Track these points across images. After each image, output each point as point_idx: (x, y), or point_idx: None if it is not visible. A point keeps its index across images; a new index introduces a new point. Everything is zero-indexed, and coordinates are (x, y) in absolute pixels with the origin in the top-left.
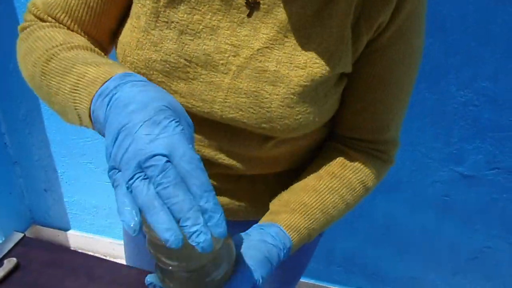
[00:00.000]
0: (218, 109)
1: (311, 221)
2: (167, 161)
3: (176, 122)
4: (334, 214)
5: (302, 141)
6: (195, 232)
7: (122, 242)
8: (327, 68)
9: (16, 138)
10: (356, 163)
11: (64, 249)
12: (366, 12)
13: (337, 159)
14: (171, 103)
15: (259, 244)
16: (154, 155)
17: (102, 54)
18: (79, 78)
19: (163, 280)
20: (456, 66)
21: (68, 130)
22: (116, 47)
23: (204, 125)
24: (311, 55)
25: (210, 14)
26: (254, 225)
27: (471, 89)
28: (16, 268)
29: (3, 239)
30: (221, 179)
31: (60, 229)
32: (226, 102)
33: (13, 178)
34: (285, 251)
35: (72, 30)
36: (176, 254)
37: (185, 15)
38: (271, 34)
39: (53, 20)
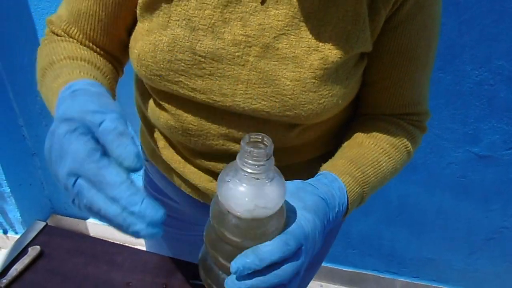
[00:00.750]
0: (240, 101)
1: (366, 182)
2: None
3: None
4: (385, 171)
5: (325, 124)
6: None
7: None
8: (346, 49)
9: (33, 131)
10: (391, 127)
11: (86, 237)
12: None
13: (369, 124)
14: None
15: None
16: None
17: (99, 65)
18: (52, 83)
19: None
20: (471, 44)
21: None
22: (130, 54)
23: (228, 119)
24: (329, 37)
25: (221, 7)
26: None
27: (487, 67)
28: (40, 255)
29: (26, 228)
30: None
31: (79, 218)
32: (247, 94)
33: (32, 170)
34: (339, 210)
35: (82, 43)
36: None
37: (196, 11)
38: (286, 20)
39: (66, 35)
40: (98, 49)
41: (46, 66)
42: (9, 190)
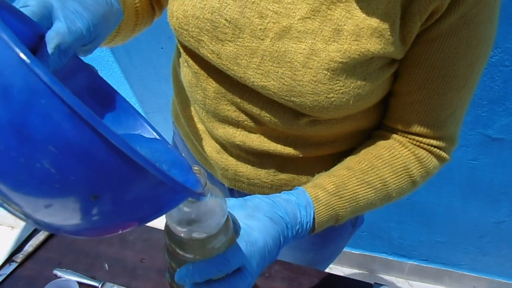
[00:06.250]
0: (251, 75)
1: (341, 197)
2: None
3: None
4: (372, 199)
5: (342, 124)
6: None
7: None
8: (367, 47)
9: None
10: (402, 149)
11: None
12: None
13: (380, 143)
14: None
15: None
16: None
17: None
18: None
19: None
20: None
21: None
22: (168, 4)
23: (240, 90)
24: (352, 31)
25: None
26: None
27: (502, 48)
28: (53, 233)
29: None
30: (282, 158)
31: None
32: (259, 69)
33: None
34: (300, 226)
35: None
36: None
37: None
38: (315, 4)
39: None
40: None
41: None
42: None
